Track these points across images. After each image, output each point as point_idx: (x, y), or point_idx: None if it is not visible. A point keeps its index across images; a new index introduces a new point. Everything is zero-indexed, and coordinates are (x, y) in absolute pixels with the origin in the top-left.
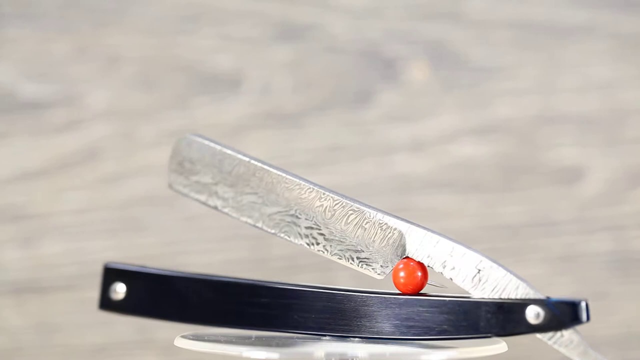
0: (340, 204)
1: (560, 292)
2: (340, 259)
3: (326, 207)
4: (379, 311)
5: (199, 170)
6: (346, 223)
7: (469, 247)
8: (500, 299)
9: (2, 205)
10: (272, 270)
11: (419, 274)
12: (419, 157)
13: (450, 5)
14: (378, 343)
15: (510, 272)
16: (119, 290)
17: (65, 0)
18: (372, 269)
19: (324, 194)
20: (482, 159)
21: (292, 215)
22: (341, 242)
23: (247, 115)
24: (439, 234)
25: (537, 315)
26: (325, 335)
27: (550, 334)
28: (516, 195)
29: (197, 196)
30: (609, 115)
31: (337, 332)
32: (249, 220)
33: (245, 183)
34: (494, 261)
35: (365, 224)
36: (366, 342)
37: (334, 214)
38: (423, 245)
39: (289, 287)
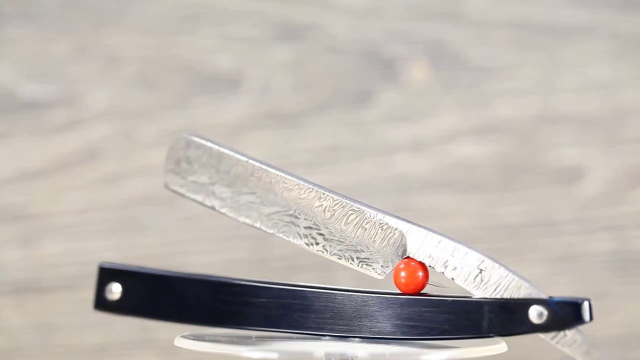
0: (340, 204)
1: (561, 292)
2: (340, 259)
3: (326, 207)
4: (379, 311)
5: (196, 170)
6: (346, 223)
7: (470, 247)
8: (503, 298)
9: (2, 205)
10: (272, 270)
11: (420, 273)
12: (419, 157)
13: (450, 5)
14: (378, 343)
15: (513, 271)
16: (115, 290)
17: (65, 0)
18: (373, 269)
19: (323, 194)
20: (482, 159)
21: (290, 215)
22: (341, 242)
23: (247, 115)
24: (441, 234)
25: (540, 315)
26: (325, 335)
27: (553, 333)
28: (516, 195)
29: (193, 196)
30: (609, 115)
31: (337, 332)
32: (247, 221)
33: (243, 183)
34: (496, 261)
35: (366, 224)
36: (366, 342)
37: (334, 214)
38: (424, 245)
39: (289, 287)
